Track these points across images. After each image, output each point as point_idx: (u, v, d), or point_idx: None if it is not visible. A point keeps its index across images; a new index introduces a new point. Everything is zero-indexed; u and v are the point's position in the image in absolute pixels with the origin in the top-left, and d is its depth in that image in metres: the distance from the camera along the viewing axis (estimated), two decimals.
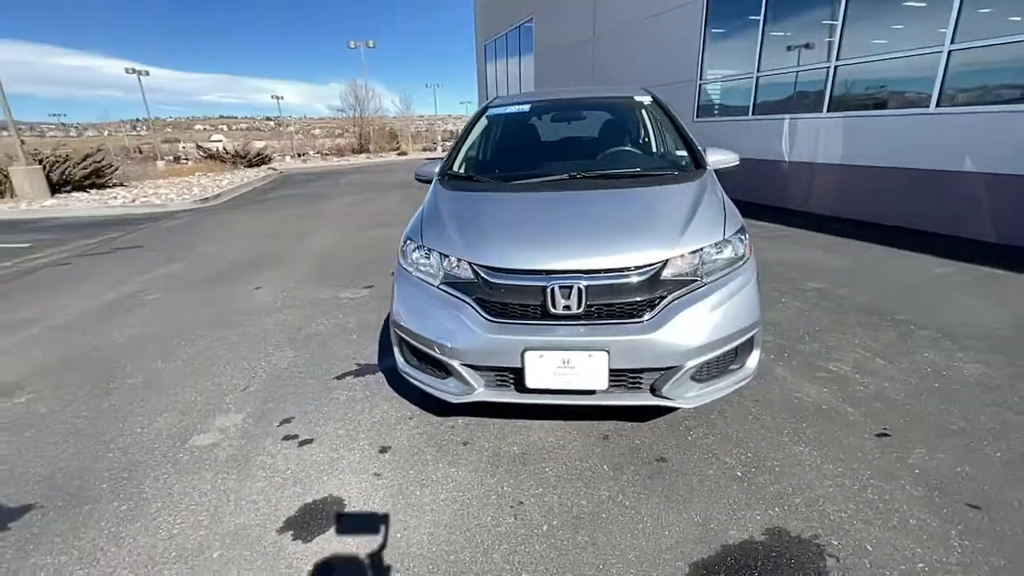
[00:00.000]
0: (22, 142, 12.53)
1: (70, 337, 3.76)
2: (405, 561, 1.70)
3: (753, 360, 2.21)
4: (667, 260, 2.05)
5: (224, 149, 21.67)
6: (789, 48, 7.27)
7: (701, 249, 2.12)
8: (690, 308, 2.01)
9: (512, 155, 3.41)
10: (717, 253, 2.15)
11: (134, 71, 34.96)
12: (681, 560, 1.65)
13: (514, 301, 2.06)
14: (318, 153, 32.41)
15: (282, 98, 48.08)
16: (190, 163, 25.77)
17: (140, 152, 37.17)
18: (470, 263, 2.14)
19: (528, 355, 1.98)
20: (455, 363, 2.11)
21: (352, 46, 33.20)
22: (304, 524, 1.87)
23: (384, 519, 1.88)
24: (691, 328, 1.99)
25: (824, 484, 1.94)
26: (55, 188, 12.96)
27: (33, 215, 10.49)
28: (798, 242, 5.52)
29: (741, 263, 2.19)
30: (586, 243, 2.12)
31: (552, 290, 2.00)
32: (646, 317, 2.00)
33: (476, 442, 2.31)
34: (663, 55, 9.69)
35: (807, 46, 7.00)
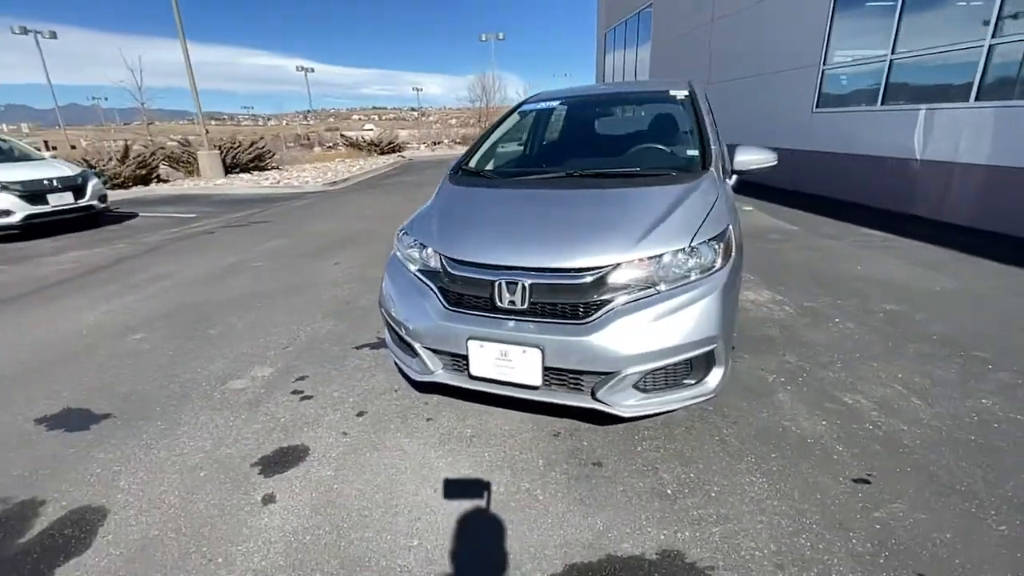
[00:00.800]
0: (206, 131, 15.36)
1: (186, 293, 4.70)
2: (328, 509, 1.96)
3: (714, 378, 2.08)
4: (618, 264, 2.02)
5: (362, 138, 24.22)
6: (931, 27, 6.12)
7: (660, 256, 2.05)
8: (634, 315, 1.97)
9: (528, 152, 3.48)
10: (679, 261, 2.06)
11: (302, 68, 40.36)
12: (559, 560, 1.68)
13: (467, 292, 2.19)
14: (452, 142, 34.50)
15: (421, 90, 52.01)
16: (342, 149, 29.17)
17: (308, 139, 42.30)
18: (437, 252, 2.31)
19: (471, 344, 2.11)
20: (416, 344, 2.31)
21: (483, 39, 34.58)
22: (272, 464, 2.24)
23: (332, 472, 2.17)
24: (631, 335, 1.95)
25: (755, 520, 1.79)
26: (227, 169, 15.68)
27: (207, 191, 12.87)
28: (902, 255, 4.74)
29: (707, 274, 2.06)
30: (539, 242, 2.17)
31: (499, 284, 2.10)
32: (586, 320, 2.01)
33: (439, 420, 2.50)
34: (782, 39, 8.72)
35: (953, 22, 5.84)
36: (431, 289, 2.30)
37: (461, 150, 30.12)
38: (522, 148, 3.57)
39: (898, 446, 2.12)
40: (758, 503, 1.87)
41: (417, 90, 51.55)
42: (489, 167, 3.28)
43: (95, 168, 12.04)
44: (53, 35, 29.15)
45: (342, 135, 29.08)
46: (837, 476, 1.98)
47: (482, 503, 1.95)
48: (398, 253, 2.59)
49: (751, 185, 8.42)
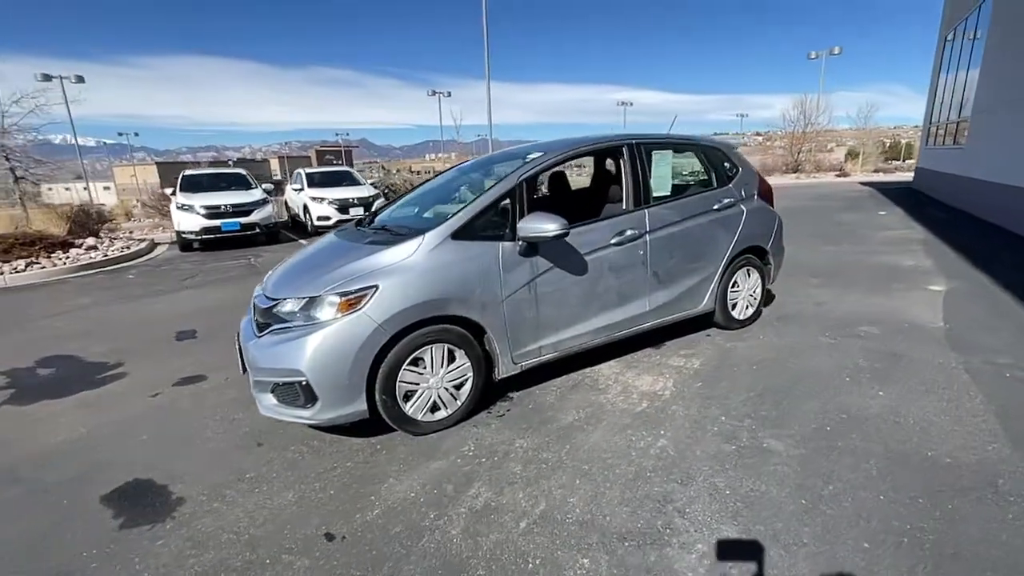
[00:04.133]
0: None
1: None
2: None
3: (310, 411, 2.53)
4: (284, 299, 2.70)
5: None
6: None
7: (292, 299, 2.64)
8: (266, 337, 2.65)
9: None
10: (301, 307, 2.59)
11: (621, 103, 44.12)
12: None
13: None
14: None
15: (746, 115, 48.73)
16: None
17: None
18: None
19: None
20: None
21: (812, 56, 30.18)
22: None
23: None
24: (258, 351, 2.65)
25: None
26: None
27: None
28: None
29: (312, 322, 2.54)
30: (291, 276, 3.00)
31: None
32: (259, 335, 2.76)
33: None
34: None
35: None
36: None
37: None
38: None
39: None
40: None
41: (741, 115, 48.61)
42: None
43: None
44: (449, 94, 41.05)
45: None
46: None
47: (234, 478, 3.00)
48: None
49: None
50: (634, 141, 3.53)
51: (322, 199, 11.61)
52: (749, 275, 4.12)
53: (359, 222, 3.76)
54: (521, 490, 2.30)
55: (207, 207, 10.19)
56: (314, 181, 12.65)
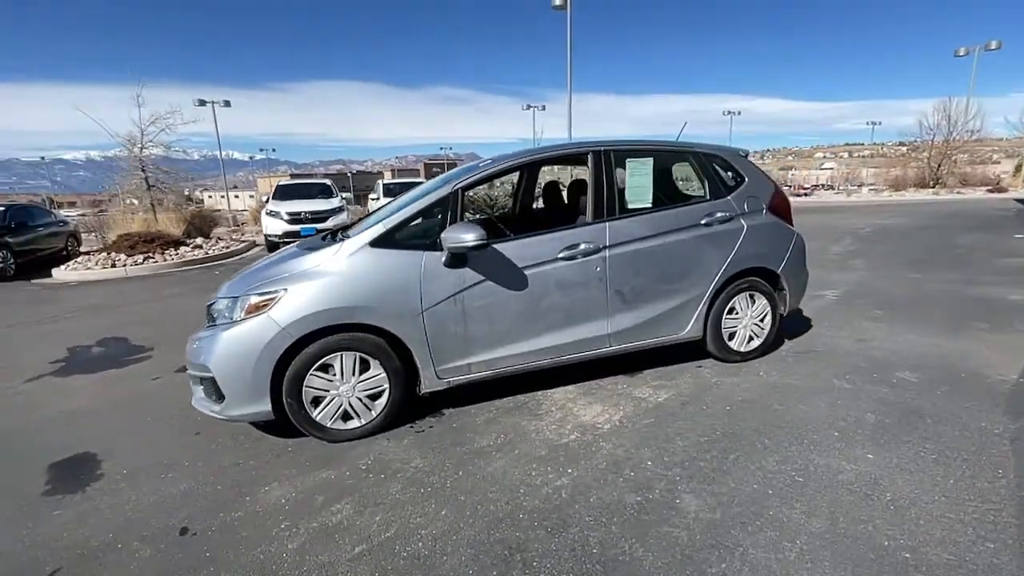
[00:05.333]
0: None
1: None
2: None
3: (219, 407, 2.66)
4: (219, 298, 2.84)
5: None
6: None
7: (225, 299, 2.77)
8: (199, 333, 2.82)
9: None
10: (226, 306, 2.73)
11: (727, 112, 41.42)
12: None
13: None
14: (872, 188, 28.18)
15: (879, 123, 43.14)
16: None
17: None
18: None
19: None
20: None
21: (961, 53, 25.84)
22: None
23: None
24: (189, 346, 2.83)
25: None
26: None
27: None
28: None
29: (228, 322, 2.68)
30: (240, 278, 3.17)
31: None
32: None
33: None
34: None
35: None
36: None
37: (878, 198, 24.07)
38: None
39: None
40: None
41: (872, 124, 43.03)
42: None
43: None
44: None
45: None
46: None
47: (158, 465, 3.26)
48: None
49: None
50: (602, 148, 3.24)
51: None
52: (753, 301, 3.57)
53: (336, 231, 3.88)
54: (382, 513, 2.17)
55: (290, 213, 11.27)
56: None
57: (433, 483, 2.37)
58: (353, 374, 2.72)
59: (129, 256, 10.21)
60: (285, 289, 2.62)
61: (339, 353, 2.68)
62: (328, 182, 13.31)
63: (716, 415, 2.89)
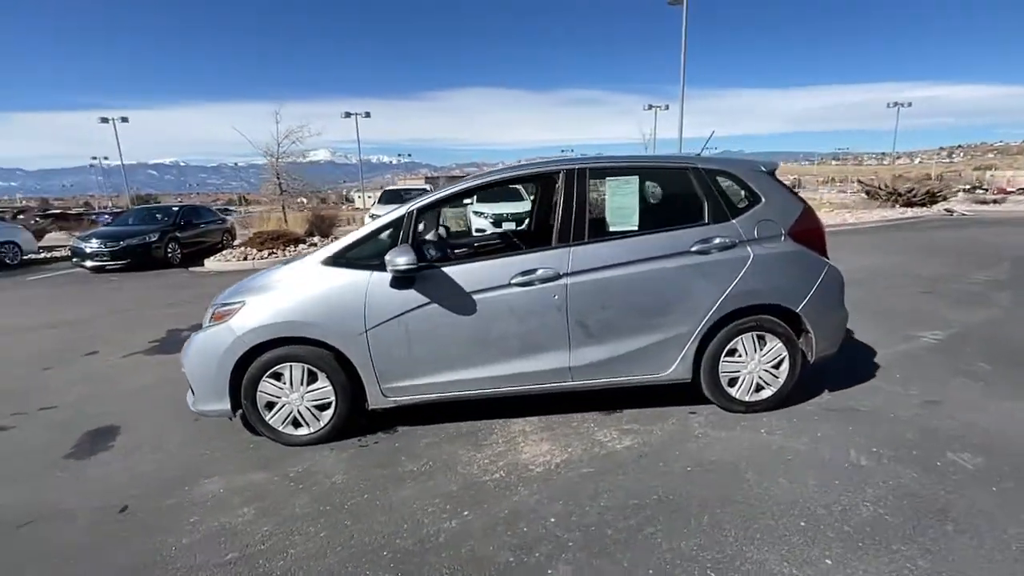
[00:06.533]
0: None
1: None
2: None
3: (191, 400, 2.97)
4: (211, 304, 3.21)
5: (883, 184, 19.67)
6: None
7: (215, 305, 3.08)
8: None
9: None
10: (211, 312, 3.02)
11: (894, 104, 35.36)
12: None
13: None
14: None
15: None
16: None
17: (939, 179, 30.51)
18: None
19: None
20: None
21: None
22: None
23: None
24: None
25: None
26: None
27: None
28: None
29: (205, 327, 2.94)
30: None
31: None
32: None
33: None
34: None
35: None
36: None
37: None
38: None
39: None
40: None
41: None
42: None
43: None
44: None
45: (858, 181, 24.23)
46: None
47: None
48: None
49: None
50: (576, 167, 3.00)
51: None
52: (762, 343, 3.02)
53: None
54: (273, 525, 2.27)
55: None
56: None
57: (335, 502, 2.42)
58: (302, 384, 2.88)
59: (259, 251, 11.97)
60: (244, 301, 2.87)
61: (289, 363, 2.85)
62: (429, 187, 14.19)
63: (669, 475, 2.51)
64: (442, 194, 3.06)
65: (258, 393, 2.88)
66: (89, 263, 11.30)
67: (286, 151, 13.56)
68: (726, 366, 3.03)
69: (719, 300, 2.91)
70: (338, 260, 2.89)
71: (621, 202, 3.06)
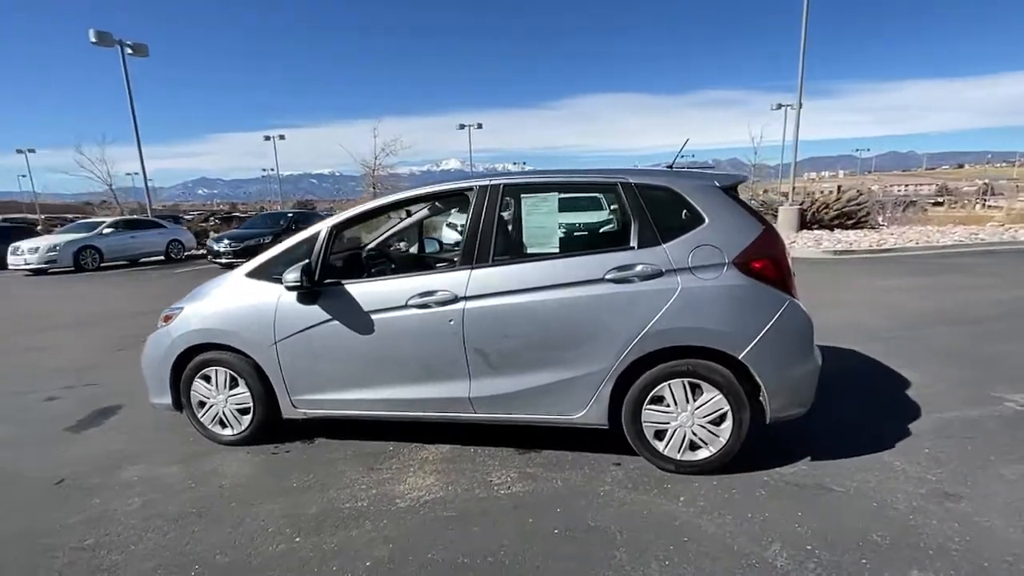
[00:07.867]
0: (793, 187, 15.84)
1: None
2: None
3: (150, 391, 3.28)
4: None
5: None
6: None
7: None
8: None
9: None
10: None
11: None
12: None
13: None
14: None
15: None
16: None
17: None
18: None
19: None
20: None
21: None
22: None
23: None
24: None
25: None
26: (804, 225, 15.70)
27: None
28: None
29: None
30: None
31: None
32: None
33: None
34: None
35: None
36: None
37: None
38: None
39: None
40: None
41: None
42: None
43: None
44: None
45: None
46: None
47: None
48: None
49: None
50: (488, 183, 2.78)
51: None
52: (697, 393, 2.52)
53: None
54: (138, 519, 2.42)
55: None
56: None
57: (203, 507, 2.52)
58: (226, 388, 3.07)
59: None
60: (182, 307, 3.14)
61: (215, 368, 3.06)
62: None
63: (530, 535, 2.19)
64: (355, 212, 3.05)
65: (192, 392, 3.12)
66: (221, 260, 13.37)
67: (381, 163, 14.73)
68: (650, 415, 2.58)
69: (636, 338, 2.49)
70: (259, 273, 3.02)
71: (539, 221, 2.77)
